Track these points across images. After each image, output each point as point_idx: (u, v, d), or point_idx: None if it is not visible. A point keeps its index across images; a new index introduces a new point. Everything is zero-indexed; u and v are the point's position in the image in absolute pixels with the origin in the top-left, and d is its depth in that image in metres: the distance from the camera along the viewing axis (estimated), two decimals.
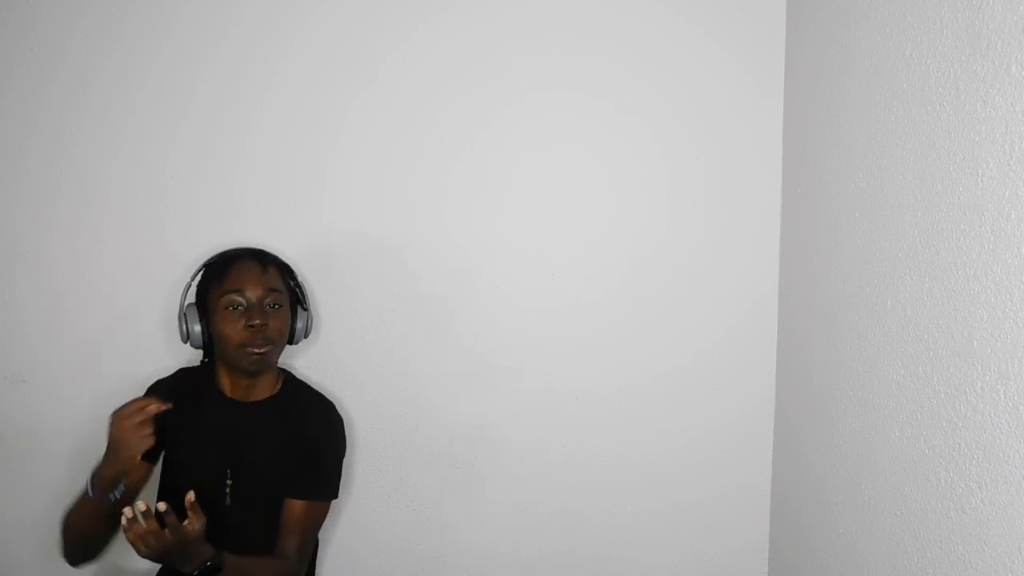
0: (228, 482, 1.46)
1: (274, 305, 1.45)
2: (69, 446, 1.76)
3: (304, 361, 1.77)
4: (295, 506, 1.48)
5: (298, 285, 1.57)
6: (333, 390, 1.78)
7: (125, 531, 1.20)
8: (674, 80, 1.77)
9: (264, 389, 1.51)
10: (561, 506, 1.85)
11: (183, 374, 1.58)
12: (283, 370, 1.59)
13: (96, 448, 1.75)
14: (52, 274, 1.75)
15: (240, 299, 1.42)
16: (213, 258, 1.51)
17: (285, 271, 1.54)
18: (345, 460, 1.60)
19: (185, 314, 1.48)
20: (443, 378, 1.81)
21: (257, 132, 1.74)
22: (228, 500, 1.46)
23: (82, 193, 1.73)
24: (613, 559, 1.87)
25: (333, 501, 1.55)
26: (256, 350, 1.42)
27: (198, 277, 1.52)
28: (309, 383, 1.63)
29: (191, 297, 1.53)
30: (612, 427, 1.83)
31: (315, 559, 1.61)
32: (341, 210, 1.76)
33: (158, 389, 1.53)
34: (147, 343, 1.72)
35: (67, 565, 1.74)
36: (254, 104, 1.74)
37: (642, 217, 1.80)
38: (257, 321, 1.41)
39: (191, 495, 1.23)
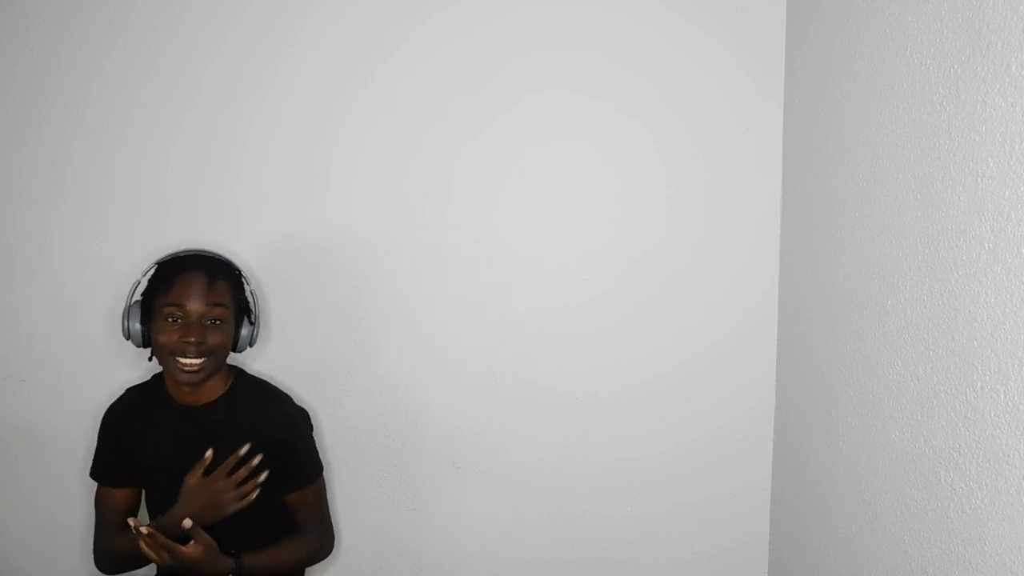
0: None
1: (215, 321, 1.42)
2: (69, 446, 1.76)
3: (304, 360, 1.78)
4: (291, 499, 1.52)
5: (251, 294, 1.54)
6: (334, 390, 1.79)
7: (145, 545, 1.31)
8: (674, 80, 1.77)
9: (211, 391, 1.48)
10: (561, 506, 1.85)
11: (132, 392, 1.56)
12: (234, 368, 1.55)
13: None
14: (52, 274, 1.75)
15: (180, 312, 1.40)
16: (166, 258, 1.47)
17: (236, 282, 1.50)
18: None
19: (129, 311, 1.46)
20: (443, 378, 1.81)
21: (257, 132, 1.74)
22: None
23: (82, 193, 1.74)
24: (613, 559, 1.87)
25: (325, 473, 1.58)
26: (187, 361, 1.40)
27: (149, 274, 1.49)
28: (264, 379, 1.59)
29: (138, 295, 1.49)
30: (612, 427, 1.83)
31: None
32: (341, 210, 1.76)
33: (111, 415, 1.55)
34: None
35: (66, 565, 1.73)
36: (254, 104, 1.74)
37: (642, 217, 1.80)
38: (192, 338, 1.38)
39: (187, 522, 1.32)
